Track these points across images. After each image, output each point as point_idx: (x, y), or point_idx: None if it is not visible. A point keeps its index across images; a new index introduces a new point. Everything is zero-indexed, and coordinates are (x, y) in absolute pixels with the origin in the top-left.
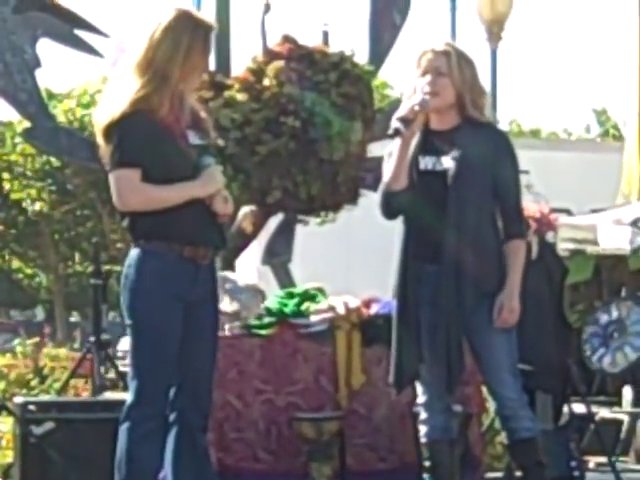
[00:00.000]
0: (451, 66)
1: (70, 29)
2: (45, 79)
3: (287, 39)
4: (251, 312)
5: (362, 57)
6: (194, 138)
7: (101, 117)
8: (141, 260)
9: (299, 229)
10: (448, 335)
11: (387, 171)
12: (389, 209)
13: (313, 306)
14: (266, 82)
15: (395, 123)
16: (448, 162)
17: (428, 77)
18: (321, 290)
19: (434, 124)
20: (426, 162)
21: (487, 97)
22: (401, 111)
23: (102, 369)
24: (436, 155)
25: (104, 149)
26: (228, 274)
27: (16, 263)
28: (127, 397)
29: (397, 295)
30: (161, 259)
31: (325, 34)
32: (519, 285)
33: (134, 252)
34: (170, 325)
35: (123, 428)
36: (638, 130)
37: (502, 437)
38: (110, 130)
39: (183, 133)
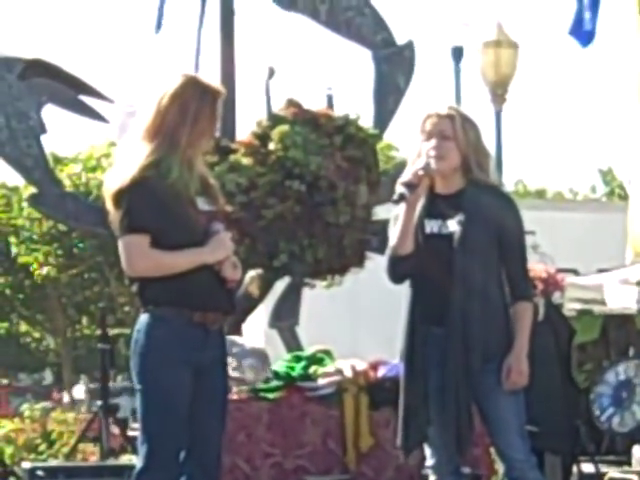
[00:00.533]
0: (456, 129)
1: (75, 95)
2: (51, 143)
3: (292, 103)
4: (259, 376)
5: (367, 120)
6: (203, 204)
7: (111, 183)
8: (150, 325)
9: (306, 292)
10: (457, 397)
11: (393, 236)
12: (396, 274)
13: (320, 369)
14: (271, 146)
15: (400, 188)
16: (454, 226)
17: (433, 141)
18: (328, 353)
19: (439, 188)
20: (432, 226)
21: (491, 159)
22: (405, 176)
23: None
24: (442, 219)
25: (113, 214)
26: (235, 338)
27: (24, 327)
28: (136, 461)
29: (404, 358)
30: (171, 324)
31: (329, 98)
32: (527, 347)
33: (144, 317)
34: (179, 390)
35: None
36: None
37: None
38: (120, 196)
39: (192, 199)
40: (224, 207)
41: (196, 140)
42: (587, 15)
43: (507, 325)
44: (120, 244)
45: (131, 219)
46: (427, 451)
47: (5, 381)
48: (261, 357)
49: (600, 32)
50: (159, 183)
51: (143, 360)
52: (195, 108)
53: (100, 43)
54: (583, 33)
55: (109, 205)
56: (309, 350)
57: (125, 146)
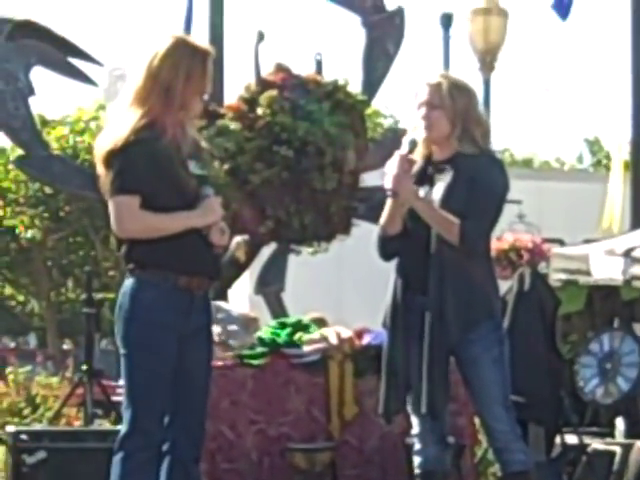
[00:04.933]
0: (442, 97)
1: (64, 57)
2: (38, 105)
3: (280, 68)
4: (244, 342)
5: (356, 86)
6: (195, 168)
7: (103, 144)
8: (135, 290)
9: (291, 259)
10: (431, 367)
11: (383, 215)
12: (386, 252)
13: (306, 336)
14: (259, 111)
15: (388, 183)
16: (439, 191)
17: (422, 110)
18: (322, 321)
19: (435, 154)
20: (420, 193)
21: (485, 125)
22: (387, 181)
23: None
24: (430, 185)
25: (104, 176)
26: (221, 304)
27: (8, 290)
28: (120, 427)
29: (388, 325)
30: (156, 289)
31: (318, 63)
32: (419, 206)
33: (129, 281)
34: (164, 355)
35: (117, 458)
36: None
37: (495, 469)
38: (112, 156)
39: (184, 162)
40: (215, 171)
41: (189, 100)
42: None
43: (489, 295)
44: (110, 204)
45: (123, 180)
46: (412, 419)
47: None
48: (247, 323)
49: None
50: (153, 144)
51: (128, 324)
52: (186, 68)
53: (91, 5)
54: (563, 7)
55: (100, 166)
56: (301, 317)
57: (116, 108)
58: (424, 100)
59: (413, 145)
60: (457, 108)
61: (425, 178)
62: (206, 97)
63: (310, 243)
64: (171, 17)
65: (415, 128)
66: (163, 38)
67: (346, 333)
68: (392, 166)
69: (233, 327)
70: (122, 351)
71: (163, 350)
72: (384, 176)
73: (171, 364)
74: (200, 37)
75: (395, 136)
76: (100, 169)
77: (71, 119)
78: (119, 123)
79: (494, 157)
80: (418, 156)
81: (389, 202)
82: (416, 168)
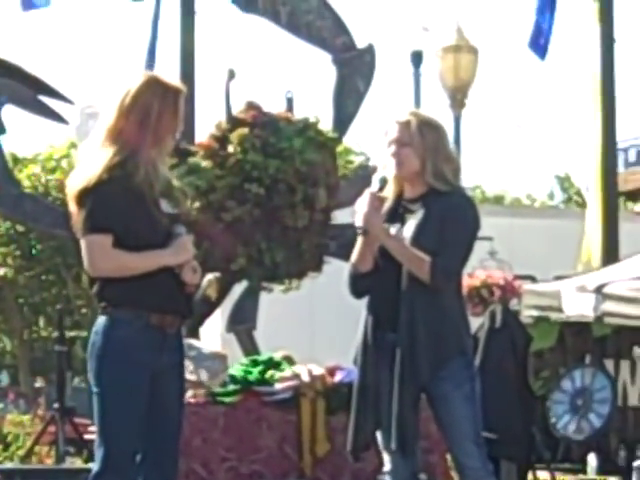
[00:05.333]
0: (411, 135)
1: (34, 95)
2: (10, 143)
3: (251, 106)
4: (216, 380)
5: (326, 124)
6: (166, 207)
7: (75, 182)
8: (108, 328)
9: (263, 296)
10: (401, 404)
11: (354, 253)
12: (357, 289)
13: (277, 374)
14: (230, 149)
15: (358, 221)
16: (409, 230)
17: (392, 148)
18: (289, 359)
19: (406, 192)
20: (391, 230)
21: (455, 162)
22: (358, 218)
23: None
24: (401, 223)
25: (76, 214)
26: (193, 342)
27: None
28: (92, 465)
29: (358, 363)
30: (128, 327)
31: (289, 100)
32: (389, 244)
33: (101, 319)
34: (137, 392)
35: None
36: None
37: None
38: (84, 195)
39: (156, 201)
40: (187, 210)
41: (160, 139)
42: (545, 26)
43: (460, 332)
44: (82, 243)
45: (95, 219)
46: (384, 456)
47: None
48: (219, 360)
49: (559, 39)
50: (125, 183)
51: (100, 362)
52: (158, 107)
53: (61, 45)
54: (541, 46)
55: (72, 205)
56: (271, 355)
57: (88, 147)
58: (394, 138)
59: (383, 183)
60: (427, 145)
61: (396, 216)
62: (178, 135)
63: (282, 280)
64: (143, 55)
65: (385, 166)
66: (135, 76)
67: (318, 370)
68: (362, 204)
69: (205, 364)
70: (95, 389)
71: (136, 388)
72: (355, 214)
73: (144, 402)
74: (171, 74)
75: (366, 173)
76: (72, 207)
77: (42, 157)
78: (91, 161)
79: (465, 194)
80: (389, 193)
81: (360, 240)
82: (387, 206)
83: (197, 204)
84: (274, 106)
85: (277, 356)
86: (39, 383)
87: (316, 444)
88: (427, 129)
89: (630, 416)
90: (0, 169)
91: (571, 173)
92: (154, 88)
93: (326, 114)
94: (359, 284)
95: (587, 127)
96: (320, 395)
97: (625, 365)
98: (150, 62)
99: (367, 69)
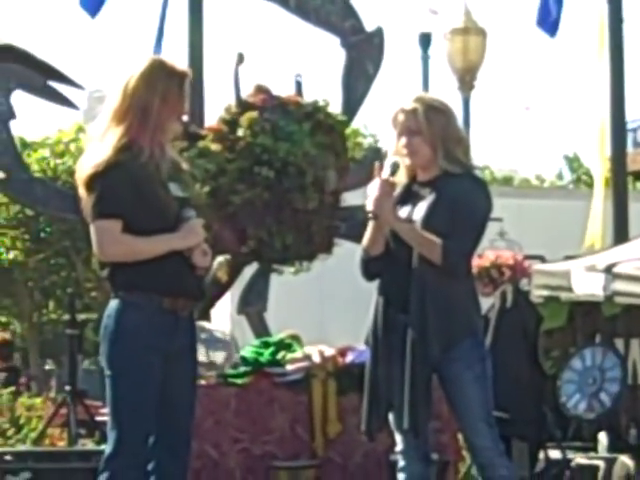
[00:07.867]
0: (419, 122)
1: (44, 81)
2: (19, 127)
3: (260, 89)
4: (227, 361)
5: (335, 107)
6: (176, 190)
7: (84, 167)
8: (120, 311)
9: (273, 278)
10: (413, 385)
11: (365, 237)
12: (368, 273)
13: (289, 355)
14: (240, 132)
15: (369, 206)
16: (421, 212)
17: (403, 139)
18: (296, 338)
19: (419, 176)
20: (402, 212)
21: (465, 141)
22: (369, 203)
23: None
24: (413, 205)
25: (86, 199)
26: (204, 324)
27: None
28: (105, 447)
29: (370, 343)
30: (140, 310)
31: (298, 84)
32: (400, 227)
33: (113, 303)
34: (149, 376)
35: (102, 478)
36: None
37: None
38: (94, 179)
39: (164, 183)
40: (196, 193)
41: (166, 121)
42: (552, 4)
43: (470, 313)
44: (92, 229)
45: (104, 204)
46: (396, 437)
47: None
48: (229, 343)
49: (568, 18)
50: (133, 165)
51: (113, 346)
52: (163, 88)
53: (71, 29)
54: (550, 23)
55: (81, 189)
56: (278, 336)
57: (95, 129)
58: (402, 128)
59: (395, 168)
60: (436, 131)
61: (408, 198)
62: (186, 118)
63: (292, 263)
64: (151, 39)
65: (395, 152)
66: (140, 59)
67: (329, 351)
68: (374, 188)
69: (216, 346)
70: (107, 372)
71: (148, 371)
72: (367, 198)
73: (156, 385)
74: (179, 58)
75: (375, 155)
76: (82, 192)
77: (51, 141)
78: (99, 145)
79: (477, 177)
80: (401, 178)
81: (371, 224)
82: (399, 188)
83: (207, 187)
84: (283, 90)
85: (283, 335)
86: (49, 366)
87: (328, 425)
88: (434, 114)
89: None
90: (10, 154)
91: (579, 153)
92: (158, 71)
93: (335, 97)
94: (371, 267)
95: (595, 107)
96: (331, 376)
97: (635, 344)
98: (158, 45)
99: (376, 52)
